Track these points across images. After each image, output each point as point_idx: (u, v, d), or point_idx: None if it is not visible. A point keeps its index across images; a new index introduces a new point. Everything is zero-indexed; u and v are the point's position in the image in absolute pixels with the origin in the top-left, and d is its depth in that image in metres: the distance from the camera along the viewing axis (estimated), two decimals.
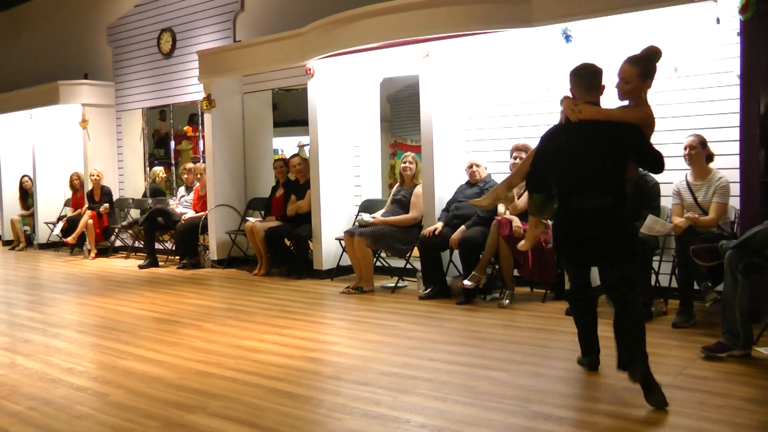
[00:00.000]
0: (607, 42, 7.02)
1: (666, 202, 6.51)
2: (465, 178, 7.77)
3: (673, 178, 6.52)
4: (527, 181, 4.71)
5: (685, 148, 6.13)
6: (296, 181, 9.53)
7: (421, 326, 6.29)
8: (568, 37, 6.86)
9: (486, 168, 7.65)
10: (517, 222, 6.88)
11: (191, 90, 11.53)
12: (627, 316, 4.21)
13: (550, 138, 4.54)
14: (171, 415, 4.22)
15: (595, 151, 4.27)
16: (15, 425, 4.16)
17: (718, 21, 6.21)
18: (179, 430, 3.97)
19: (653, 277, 6.41)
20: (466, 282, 6.95)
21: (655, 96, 6.83)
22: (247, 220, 9.83)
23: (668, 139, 6.80)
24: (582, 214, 4.27)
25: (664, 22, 6.68)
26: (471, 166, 7.66)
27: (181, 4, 11.68)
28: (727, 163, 6.20)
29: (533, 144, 7.10)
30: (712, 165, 6.14)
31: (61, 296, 8.62)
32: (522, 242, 5.22)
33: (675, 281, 6.35)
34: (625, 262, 4.23)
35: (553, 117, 7.39)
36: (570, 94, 4.50)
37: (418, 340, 5.76)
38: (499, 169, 7.69)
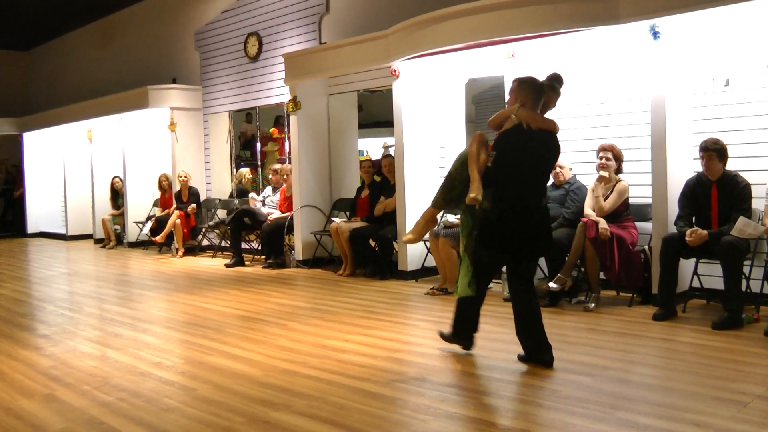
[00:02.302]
0: (697, 38, 6.82)
1: (758, 204, 6.26)
2: (551, 180, 7.62)
3: (765, 178, 6.28)
4: (492, 178, 4.95)
5: None
6: (382, 181, 9.52)
7: (506, 328, 6.16)
8: (656, 34, 6.65)
9: (571, 169, 7.49)
10: (603, 224, 6.71)
11: (277, 92, 11.65)
12: (535, 304, 4.98)
13: (509, 142, 4.93)
14: (256, 411, 4.23)
15: (544, 157, 4.99)
16: (106, 415, 4.24)
17: None
18: (264, 427, 3.97)
19: (744, 282, 6.12)
20: (552, 284, 6.81)
21: (748, 93, 6.65)
22: (333, 221, 9.87)
23: (762, 138, 6.58)
24: (529, 212, 4.91)
25: (759, 15, 6.43)
26: (555, 167, 7.51)
27: (268, 8, 11.82)
28: None
29: (619, 144, 7.00)
30: None
31: (150, 293, 8.80)
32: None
33: (767, 287, 6.12)
34: (545, 255, 5.21)
35: (639, 116, 7.24)
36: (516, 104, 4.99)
37: (502, 342, 5.66)
38: (585, 170, 7.52)
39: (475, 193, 4.83)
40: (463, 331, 5.33)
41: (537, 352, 4.97)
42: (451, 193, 5.24)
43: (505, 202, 4.89)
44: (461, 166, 5.10)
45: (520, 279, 5.03)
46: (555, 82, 5.16)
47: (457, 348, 5.45)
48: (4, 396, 4.71)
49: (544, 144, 4.96)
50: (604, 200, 6.87)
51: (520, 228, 4.92)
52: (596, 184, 6.98)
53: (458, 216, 7.94)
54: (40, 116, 17.44)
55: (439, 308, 7.19)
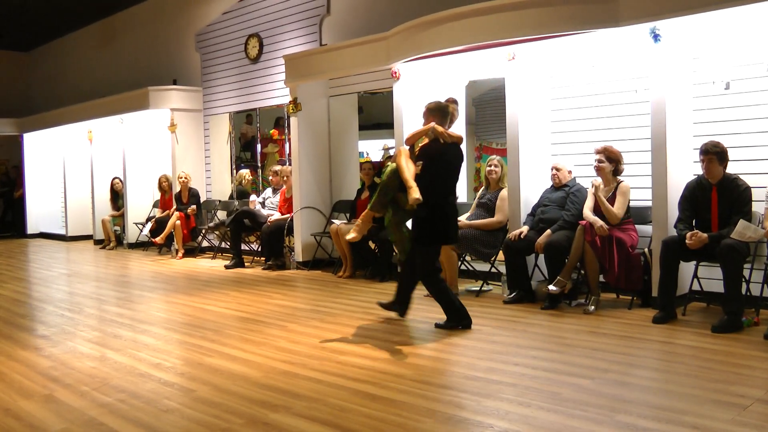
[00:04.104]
0: (697, 41, 6.83)
1: (758, 207, 6.25)
2: (550, 182, 7.62)
3: (765, 182, 6.28)
4: (433, 186, 6.13)
5: None
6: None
7: (506, 331, 6.19)
8: (656, 37, 6.65)
9: (570, 172, 7.49)
10: (599, 222, 6.73)
11: (277, 94, 11.66)
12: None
13: (431, 153, 6.22)
14: (256, 413, 4.22)
15: (454, 164, 6.33)
16: (105, 416, 4.24)
17: None
18: (263, 428, 3.97)
19: (744, 285, 6.10)
20: (552, 287, 6.82)
21: (748, 96, 6.65)
22: (333, 223, 9.87)
23: (762, 141, 6.58)
24: (454, 208, 6.36)
25: (759, 18, 6.43)
26: (552, 170, 7.53)
27: (268, 9, 11.83)
28: None
29: (618, 146, 7.01)
30: None
31: (150, 294, 8.79)
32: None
33: (767, 290, 6.11)
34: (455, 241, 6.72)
35: (640, 119, 7.25)
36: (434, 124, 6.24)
37: (502, 345, 5.66)
38: (585, 172, 7.53)
39: (416, 194, 5.87)
40: (458, 316, 6.31)
41: (401, 305, 6.71)
42: (386, 198, 6.30)
43: (433, 201, 6.07)
44: (393, 175, 6.23)
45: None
46: (454, 104, 6.61)
47: (457, 351, 5.45)
48: (4, 396, 4.70)
49: (454, 153, 6.31)
50: (609, 204, 6.87)
51: (444, 221, 6.20)
52: (595, 186, 6.98)
53: (458, 219, 7.99)
54: (40, 117, 17.44)
55: (438, 310, 7.16)
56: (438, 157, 6.21)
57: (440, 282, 6.35)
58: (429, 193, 6.02)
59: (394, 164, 6.29)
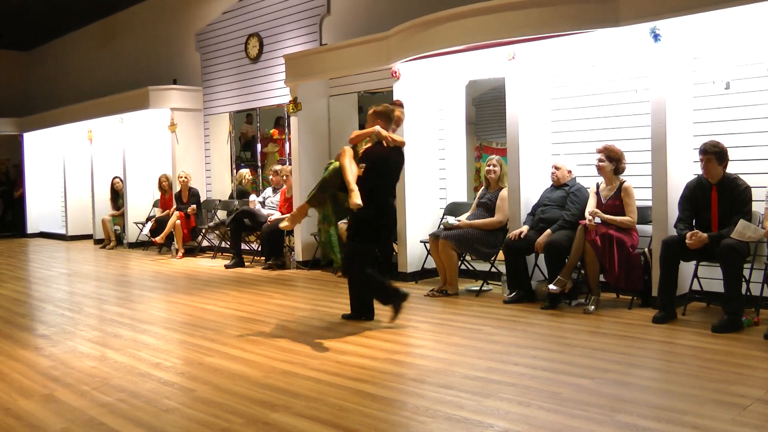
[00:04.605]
0: (698, 41, 6.82)
1: (758, 207, 6.25)
2: (550, 182, 7.62)
3: (765, 181, 6.28)
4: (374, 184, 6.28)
5: None
6: None
7: (506, 330, 6.19)
8: (656, 36, 6.65)
9: (570, 171, 7.49)
10: (600, 214, 6.82)
11: (277, 93, 11.66)
12: (387, 278, 6.65)
13: (375, 156, 6.35)
14: (255, 412, 4.22)
15: (397, 166, 6.58)
16: (105, 415, 4.24)
17: None
18: (263, 428, 3.97)
19: (744, 285, 6.09)
20: (552, 286, 6.82)
21: (748, 96, 6.65)
22: None
23: (762, 141, 6.58)
24: (393, 209, 6.57)
25: (760, 18, 6.43)
26: (552, 168, 7.54)
27: (269, 9, 11.83)
28: None
29: (618, 146, 7.01)
30: None
31: (150, 294, 8.79)
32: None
33: (767, 290, 6.11)
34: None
35: (640, 118, 7.25)
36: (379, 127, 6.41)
37: (503, 345, 5.66)
38: (585, 172, 7.53)
39: (357, 200, 5.96)
40: (395, 295, 6.39)
41: (364, 311, 6.72)
42: (324, 194, 6.38)
43: (375, 202, 6.23)
44: (335, 174, 6.28)
45: (377, 259, 6.70)
46: (400, 107, 6.70)
47: (457, 351, 5.46)
48: (4, 396, 4.70)
49: (397, 155, 6.52)
50: (605, 201, 6.89)
51: (385, 221, 6.41)
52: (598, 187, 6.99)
53: (458, 219, 7.99)
54: (40, 116, 17.45)
55: (438, 310, 7.19)
56: (381, 161, 6.36)
57: (371, 277, 6.38)
58: (372, 196, 6.19)
59: (337, 162, 6.33)
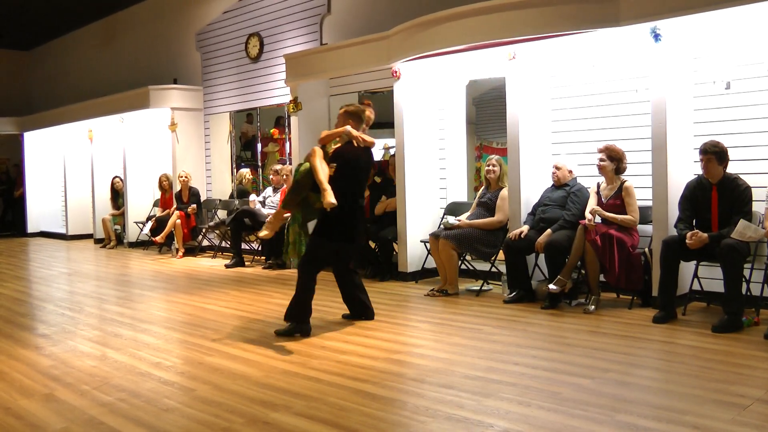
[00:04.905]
0: (698, 41, 6.82)
1: (758, 207, 6.25)
2: (551, 181, 7.63)
3: (765, 181, 6.28)
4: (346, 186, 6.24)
5: None
6: (384, 182, 9.53)
7: (506, 330, 6.19)
8: (657, 36, 6.65)
9: (571, 171, 7.49)
10: (601, 212, 6.85)
11: (278, 93, 11.67)
12: (358, 279, 6.73)
13: (345, 155, 6.32)
14: (256, 412, 4.23)
15: (366, 166, 6.48)
16: (105, 415, 4.24)
17: None
18: (264, 428, 3.97)
19: (744, 285, 6.10)
20: (552, 286, 6.82)
21: (748, 96, 6.65)
22: None
23: (762, 141, 6.58)
24: (361, 209, 6.46)
25: (760, 18, 6.43)
26: (552, 168, 7.54)
27: (269, 8, 11.83)
28: None
29: (618, 146, 7.01)
30: None
31: (150, 293, 8.79)
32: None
33: (767, 290, 6.11)
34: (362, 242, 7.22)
35: (640, 118, 7.25)
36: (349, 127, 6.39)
37: (503, 344, 5.66)
38: (586, 171, 7.53)
39: (331, 199, 5.92)
40: (304, 317, 6.26)
41: (363, 312, 6.72)
42: (299, 196, 6.35)
43: (344, 203, 6.14)
44: (307, 175, 6.25)
45: (343, 261, 6.56)
46: (369, 108, 6.69)
47: (457, 350, 5.46)
48: (4, 395, 4.70)
49: (367, 156, 6.51)
50: (605, 201, 6.89)
51: (352, 221, 6.33)
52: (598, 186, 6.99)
53: (458, 218, 7.99)
54: (40, 116, 17.45)
55: (439, 309, 7.19)
56: (352, 161, 6.33)
57: (312, 280, 6.31)
58: (343, 196, 6.15)
59: (307, 164, 6.31)
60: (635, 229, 6.91)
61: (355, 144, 6.39)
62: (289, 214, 6.91)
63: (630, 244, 6.74)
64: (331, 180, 6.12)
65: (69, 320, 7.21)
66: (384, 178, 9.62)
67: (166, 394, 4.64)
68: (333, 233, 6.29)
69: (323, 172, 6.12)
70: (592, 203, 7.04)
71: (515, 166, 7.81)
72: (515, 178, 7.81)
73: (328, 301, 7.69)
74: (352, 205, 6.30)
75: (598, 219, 6.83)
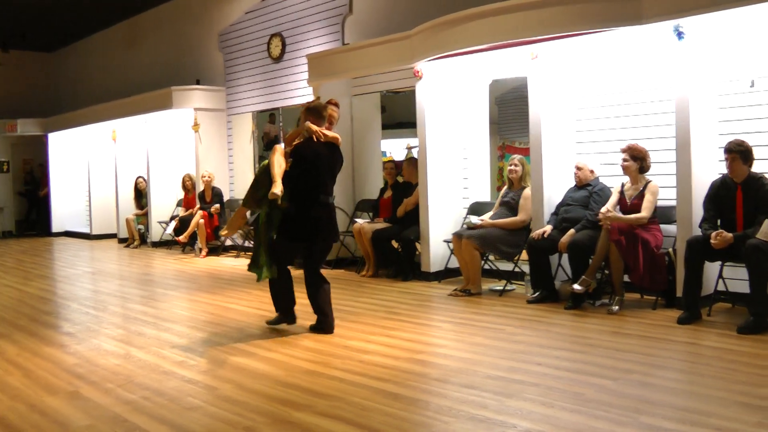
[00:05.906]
0: (722, 38, 6.75)
1: None
2: (573, 181, 7.59)
3: None
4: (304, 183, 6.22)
5: None
6: (405, 183, 9.53)
7: (529, 330, 6.17)
8: (680, 34, 6.58)
9: (593, 171, 7.45)
10: (613, 213, 6.81)
11: (300, 93, 11.67)
12: (319, 278, 6.40)
13: (302, 152, 6.27)
14: (279, 411, 4.24)
15: (333, 162, 6.40)
16: (129, 413, 4.28)
17: None
18: (286, 427, 3.98)
19: None
20: (576, 286, 6.79)
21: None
22: (355, 222, 9.87)
23: None
24: (326, 206, 6.30)
25: None
26: (574, 168, 7.51)
27: (291, 8, 11.84)
28: None
29: (642, 145, 6.95)
30: None
31: (173, 292, 8.85)
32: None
33: None
34: (335, 242, 6.84)
35: (664, 117, 7.19)
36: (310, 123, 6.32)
37: (525, 345, 5.64)
38: (609, 171, 7.49)
39: (276, 189, 5.93)
40: (285, 308, 6.50)
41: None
42: (258, 193, 6.33)
43: (301, 199, 6.19)
44: (264, 171, 6.31)
45: (310, 260, 6.40)
46: (334, 106, 6.74)
47: (480, 350, 5.45)
48: (30, 393, 4.75)
49: (330, 151, 6.38)
50: (629, 201, 6.85)
51: (313, 219, 6.22)
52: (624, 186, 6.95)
53: (481, 218, 7.97)
54: (64, 117, 17.59)
55: (461, 309, 7.18)
56: (311, 156, 6.25)
57: (286, 277, 6.42)
58: (298, 190, 6.19)
59: (267, 161, 6.35)
60: (659, 229, 6.86)
61: (315, 139, 6.29)
62: (249, 212, 6.88)
63: (654, 244, 6.69)
64: (290, 177, 6.17)
65: (93, 319, 7.27)
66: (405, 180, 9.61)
67: (190, 392, 4.67)
68: (290, 231, 6.28)
69: (279, 165, 6.16)
70: (610, 203, 6.99)
71: (538, 165, 7.78)
72: (538, 177, 7.78)
73: (350, 301, 7.71)
74: (307, 202, 6.23)
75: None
